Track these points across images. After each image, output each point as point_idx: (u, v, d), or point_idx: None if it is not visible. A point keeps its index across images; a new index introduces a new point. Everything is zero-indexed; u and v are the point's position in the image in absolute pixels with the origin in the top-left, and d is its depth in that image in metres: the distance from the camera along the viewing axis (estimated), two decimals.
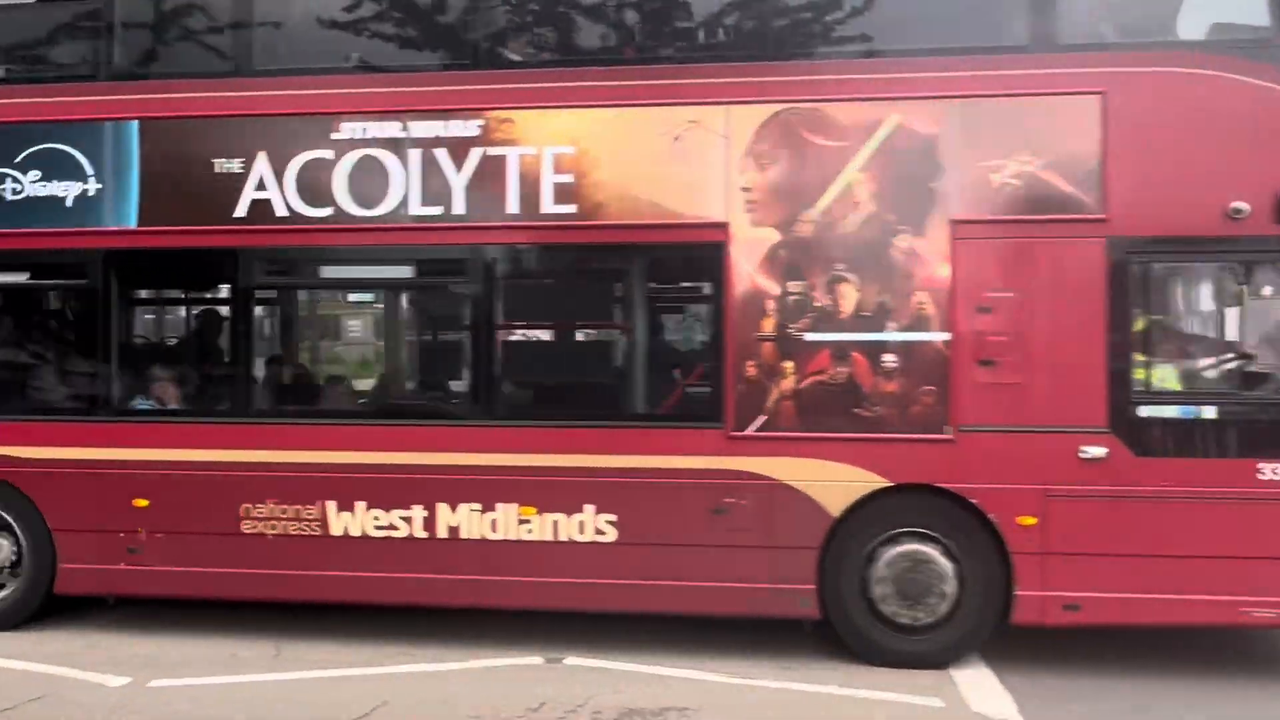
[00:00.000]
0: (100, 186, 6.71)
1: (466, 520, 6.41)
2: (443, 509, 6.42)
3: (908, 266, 6.10)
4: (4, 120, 6.83)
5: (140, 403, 6.90)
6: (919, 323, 6.09)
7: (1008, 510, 5.98)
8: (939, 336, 6.07)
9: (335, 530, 6.51)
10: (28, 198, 6.78)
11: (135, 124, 6.71)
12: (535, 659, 6.23)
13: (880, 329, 6.13)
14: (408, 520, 6.46)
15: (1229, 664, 6.29)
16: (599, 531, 6.31)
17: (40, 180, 6.76)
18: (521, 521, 6.37)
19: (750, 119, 6.22)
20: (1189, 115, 5.86)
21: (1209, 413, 5.89)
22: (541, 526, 6.35)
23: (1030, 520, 5.95)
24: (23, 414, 6.96)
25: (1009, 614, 6.02)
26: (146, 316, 7.68)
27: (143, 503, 6.66)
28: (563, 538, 6.33)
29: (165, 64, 6.98)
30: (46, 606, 6.85)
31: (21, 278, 7.14)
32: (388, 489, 6.46)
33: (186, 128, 6.70)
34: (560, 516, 6.33)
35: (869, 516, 6.14)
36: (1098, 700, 5.65)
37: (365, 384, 7.27)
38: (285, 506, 6.54)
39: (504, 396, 6.61)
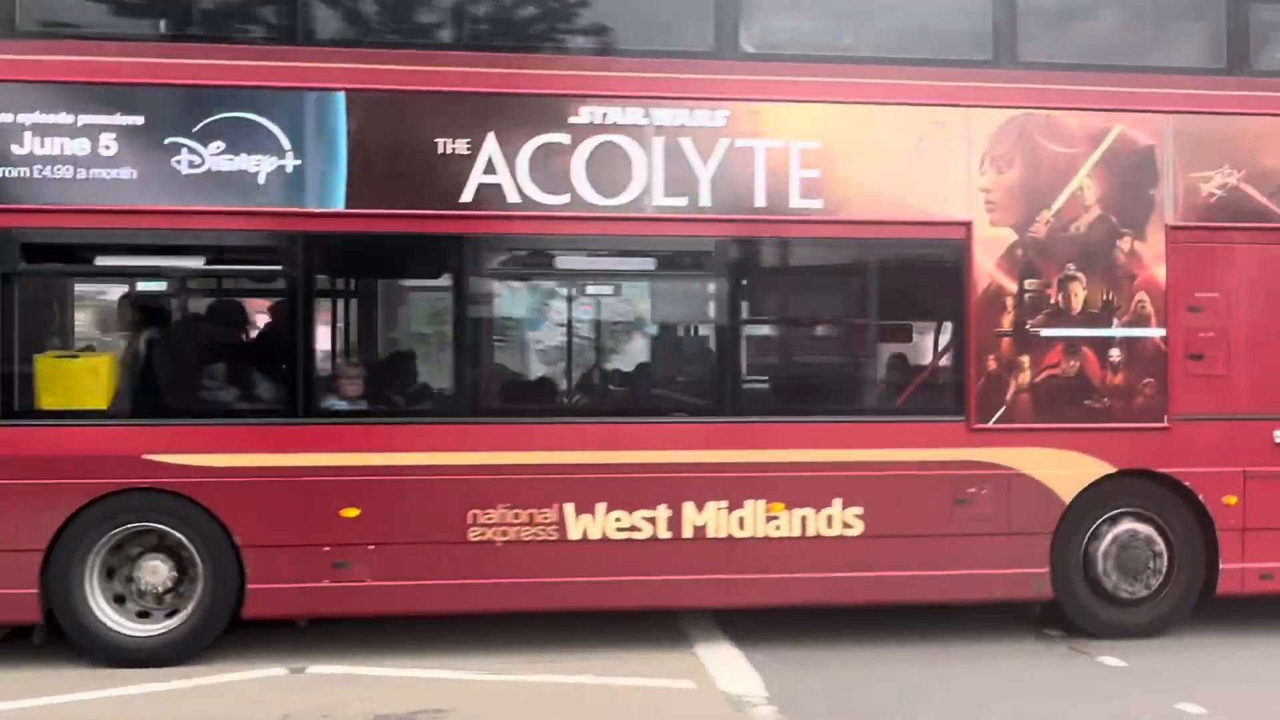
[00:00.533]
0: (299, 163, 6.01)
1: (713, 519, 6.27)
2: (688, 508, 6.25)
3: (1130, 267, 6.57)
4: (181, 83, 5.96)
5: (337, 403, 6.23)
6: (1140, 320, 6.57)
7: (1215, 491, 6.57)
8: (1157, 333, 6.56)
9: (574, 534, 6.18)
10: (209, 172, 5.96)
11: (341, 95, 6.05)
12: (278, 670, 5.89)
13: (1107, 325, 6.55)
14: (651, 521, 6.23)
15: (978, 627, 6.75)
16: (846, 525, 6.36)
17: (224, 153, 5.96)
18: (770, 518, 6.31)
19: (989, 123, 6.46)
20: None
21: None
22: (790, 522, 6.32)
23: (1233, 500, 6.57)
24: (203, 417, 6.13)
25: (1212, 586, 6.61)
26: (351, 306, 6.89)
27: (353, 513, 6.04)
28: (811, 533, 6.32)
29: (376, 32, 6.31)
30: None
31: (198, 262, 6.27)
32: (630, 489, 6.20)
33: (404, 103, 6.12)
34: (809, 511, 6.32)
35: (1094, 500, 6.55)
36: (841, 672, 6.01)
37: (603, 380, 6.90)
38: (519, 511, 6.13)
39: (749, 392, 6.51)
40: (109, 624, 5.97)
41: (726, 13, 6.32)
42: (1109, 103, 6.56)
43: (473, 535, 6.12)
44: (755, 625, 6.50)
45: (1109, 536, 6.58)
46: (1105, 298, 6.55)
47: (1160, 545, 6.62)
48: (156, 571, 5.99)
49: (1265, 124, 6.69)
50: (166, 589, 6.01)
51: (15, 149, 5.84)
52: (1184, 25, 6.94)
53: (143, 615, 6.06)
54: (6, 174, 5.84)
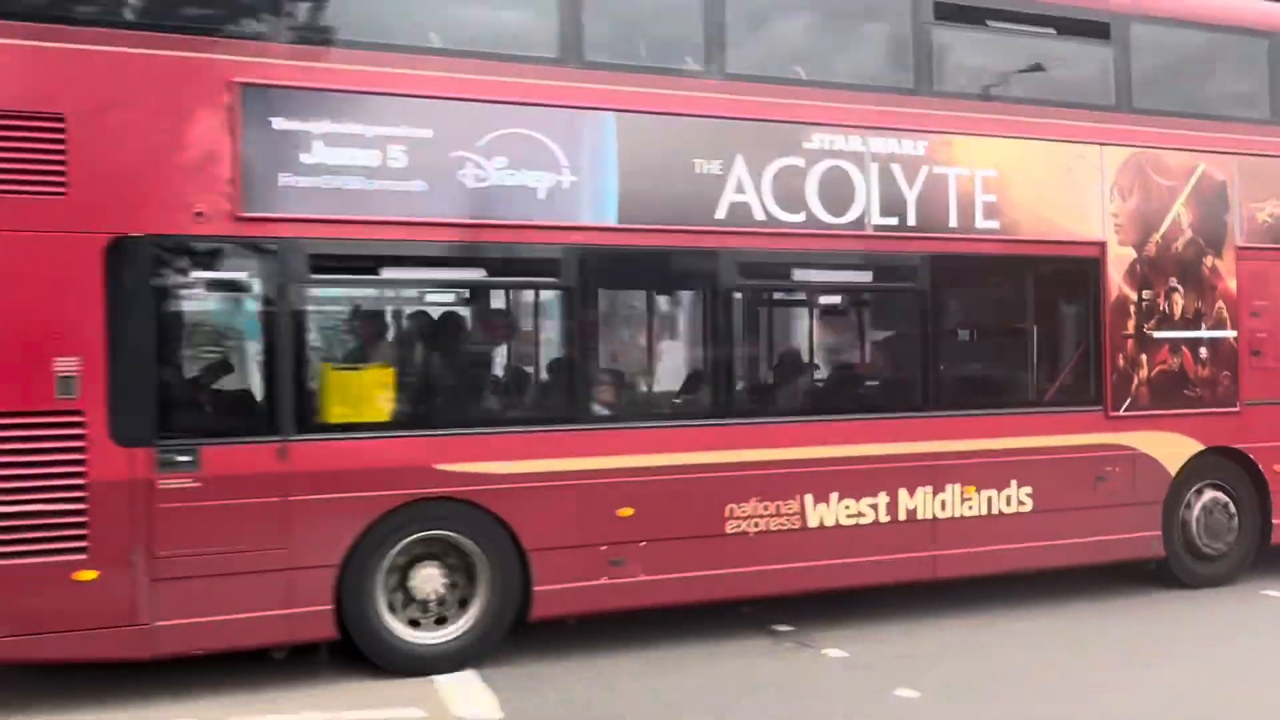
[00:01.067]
0: (575, 179, 6.28)
1: (921, 503, 7.12)
2: (902, 494, 7.06)
3: (1212, 280, 8.03)
4: (468, 98, 6.07)
5: (610, 409, 6.53)
6: (1220, 324, 8.05)
7: (1269, 461, 8.14)
8: (1231, 334, 8.05)
9: (812, 522, 6.83)
10: (493, 186, 6.11)
11: (612, 116, 6.38)
12: None
13: (1198, 328, 7.97)
14: (874, 507, 6.99)
15: (707, 629, 6.86)
16: (1020, 503, 7.39)
17: (508, 168, 6.13)
18: (964, 499, 7.23)
19: (1116, 158, 7.69)
20: None
21: None
22: (980, 503, 7.27)
23: None
24: (490, 426, 6.24)
25: (1265, 539, 8.19)
26: (620, 316, 7.01)
27: (628, 512, 6.39)
28: (995, 511, 7.31)
29: (642, 59, 6.64)
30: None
31: (480, 274, 6.33)
32: (857, 480, 6.93)
33: (666, 125, 6.52)
34: (993, 492, 7.30)
35: (1189, 473, 7.95)
36: (576, 685, 5.94)
37: (831, 382, 7.46)
38: (768, 503, 6.71)
39: (945, 391, 7.37)
40: (401, 634, 5.99)
41: (923, 55, 7.16)
42: (1197, 144, 7.95)
43: (729, 528, 6.63)
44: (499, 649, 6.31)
45: (1199, 504, 7.99)
46: (1197, 306, 7.95)
47: (1233, 509, 8.10)
48: (431, 579, 6.07)
49: None
50: (439, 596, 6.10)
51: (305, 158, 5.74)
52: (1243, 83, 8.45)
53: (412, 624, 6.11)
54: (295, 183, 5.74)
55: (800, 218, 6.79)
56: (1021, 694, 5.77)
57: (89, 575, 5.36)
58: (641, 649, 6.47)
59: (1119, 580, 7.99)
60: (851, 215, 6.93)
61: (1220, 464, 8.08)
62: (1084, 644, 6.73)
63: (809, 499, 6.81)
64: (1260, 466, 8.11)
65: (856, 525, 6.94)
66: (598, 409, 6.44)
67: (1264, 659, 6.49)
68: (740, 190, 6.63)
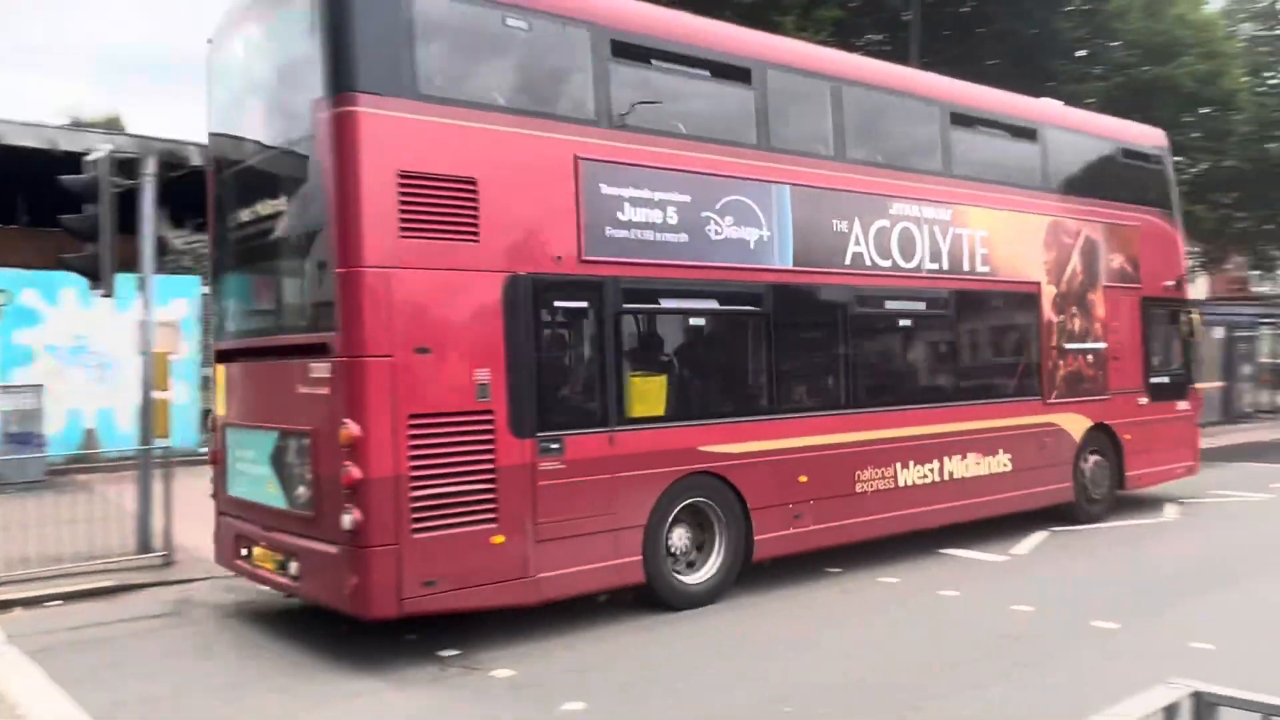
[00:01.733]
0: (769, 234, 8.61)
1: (958, 467, 10.09)
2: (947, 461, 9.99)
3: (1092, 308, 11.69)
4: (710, 173, 8.23)
5: (798, 402, 8.99)
6: (1097, 338, 11.73)
7: (1122, 432, 11.95)
8: (1103, 345, 11.78)
9: (902, 483, 9.58)
10: (725, 239, 8.31)
11: (788, 188, 8.78)
12: None
13: (1088, 341, 11.60)
14: (932, 470, 9.86)
15: (377, 659, 6.73)
16: (1005, 465, 10.56)
17: (732, 225, 8.36)
18: (976, 464, 10.28)
19: (1043, 223, 11.16)
20: None
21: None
22: (985, 465, 10.36)
23: (1129, 436, 12.02)
24: (728, 417, 8.35)
25: (1120, 485, 11.99)
26: (787, 336, 9.04)
27: (804, 479, 8.77)
28: (993, 471, 10.44)
29: (802, 145, 9.06)
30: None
31: (714, 303, 8.38)
32: (922, 451, 9.78)
33: (816, 194, 9.02)
34: (991, 458, 10.42)
35: (1085, 441, 11.56)
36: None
37: (907, 383, 10.10)
38: (876, 470, 9.37)
39: (965, 387, 10.39)
40: (680, 578, 8.01)
41: (947, 150, 10.21)
42: (1084, 215, 11.60)
43: (858, 488, 9.20)
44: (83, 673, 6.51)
45: (1089, 463, 11.60)
46: (1086, 326, 11.56)
47: (1107, 465, 11.81)
48: (683, 536, 8.12)
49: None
50: (687, 548, 8.16)
51: (620, 215, 7.67)
52: (1108, 173, 12.31)
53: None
54: (615, 234, 7.64)
55: (889, 263, 9.51)
56: (688, 690, 6.11)
57: (500, 539, 6.92)
58: (313, 680, 6.43)
59: (759, 577, 8.54)
60: (914, 262, 9.74)
61: (1099, 435, 11.73)
62: (744, 635, 7.39)
63: (899, 467, 9.51)
64: (1118, 435, 11.88)
65: (920, 484, 9.73)
66: (785, 404, 8.78)
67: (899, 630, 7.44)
68: (857, 243, 9.24)
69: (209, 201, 8.39)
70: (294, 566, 7.05)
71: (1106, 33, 21.71)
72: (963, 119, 10.51)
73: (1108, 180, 12.29)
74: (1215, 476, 15.06)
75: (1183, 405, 12.87)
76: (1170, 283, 12.82)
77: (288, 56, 7.28)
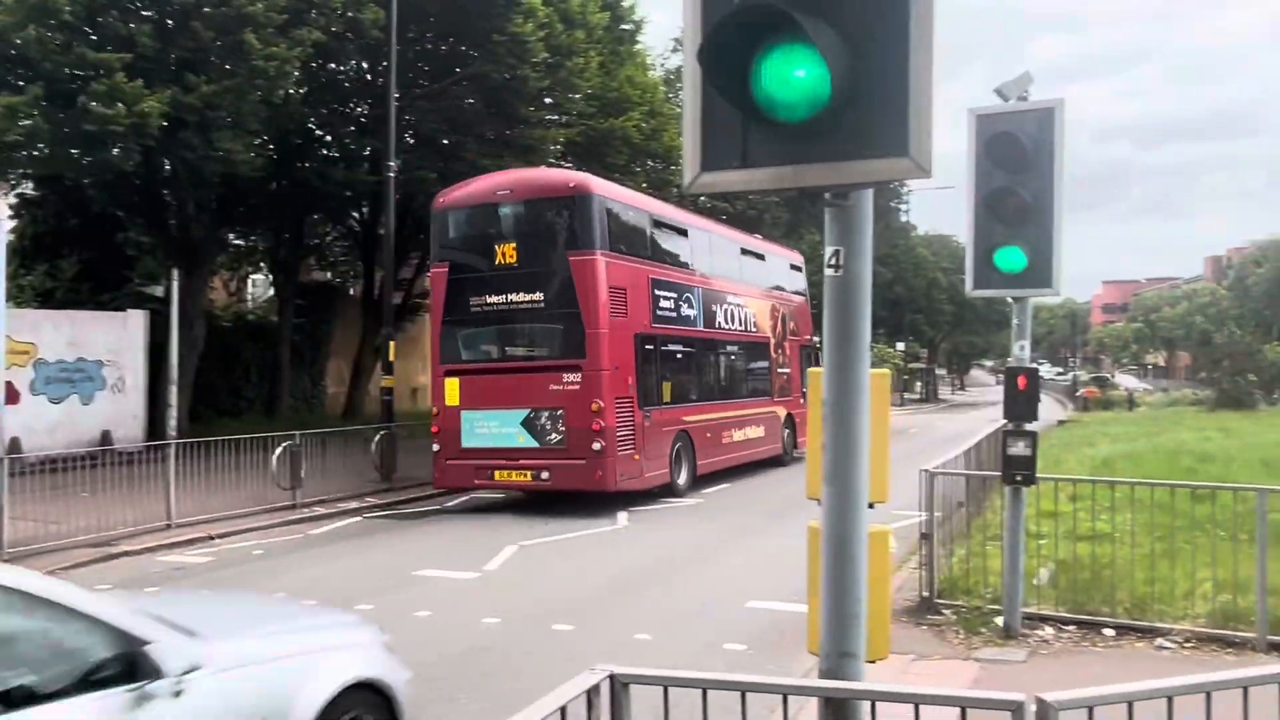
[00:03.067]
0: (696, 313, 16.65)
1: (750, 431, 19.53)
2: (747, 428, 19.57)
3: (786, 348, 22.42)
4: (683, 282, 17.50)
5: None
6: (787, 365, 22.28)
7: (796, 417, 21.83)
8: (788, 370, 22.07)
9: (735, 438, 19.16)
10: (687, 314, 16.61)
11: (700, 289, 17.61)
12: None
13: (785, 367, 22.29)
14: (743, 432, 19.45)
15: None
16: (761, 432, 20.20)
17: (688, 307, 16.64)
18: (754, 430, 19.82)
19: (768, 304, 21.40)
20: None
21: None
22: (756, 431, 19.91)
23: (798, 419, 22.05)
24: (688, 403, 17.58)
25: (795, 445, 22.04)
26: (705, 362, 17.49)
27: (709, 435, 17.54)
28: (752, 437, 19.85)
29: (701, 268, 18.47)
30: None
31: (683, 347, 16.24)
32: (740, 422, 19.65)
33: (706, 293, 18.52)
34: (750, 429, 19.78)
35: (785, 421, 22.10)
36: None
37: (736, 385, 19.67)
38: (729, 431, 18.56)
39: (735, 389, 20.42)
40: (675, 481, 16.73)
41: (739, 268, 20.25)
42: (779, 299, 22.24)
43: (723, 440, 18.47)
44: None
45: (786, 433, 21.70)
46: (783, 359, 21.87)
47: (792, 435, 21.77)
48: (677, 462, 16.47)
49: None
50: (678, 469, 16.48)
51: (661, 305, 16.25)
52: (787, 279, 23.11)
53: None
54: (657, 313, 16.35)
55: (727, 326, 18.77)
56: (675, 523, 8.54)
57: (637, 457, 15.35)
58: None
59: None
60: (732, 325, 19.03)
61: (789, 418, 21.61)
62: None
63: (734, 429, 18.72)
64: (795, 419, 21.70)
65: (740, 439, 19.04)
66: (702, 397, 18.11)
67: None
68: (719, 315, 18.31)
69: (441, 288, 15.51)
70: (545, 475, 14.56)
71: (569, 85, 23.85)
72: (742, 250, 20.52)
73: (785, 281, 22.89)
74: None
75: None
76: (810, 336, 23.11)
77: (547, 222, 14.90)
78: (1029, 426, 7.58)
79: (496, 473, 14.64)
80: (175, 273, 15.24)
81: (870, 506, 3.24)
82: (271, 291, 29.63)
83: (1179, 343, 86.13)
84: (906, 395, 55.83)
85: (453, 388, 14.74)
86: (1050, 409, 45.65)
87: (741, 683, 2.99)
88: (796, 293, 22.96)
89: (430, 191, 21.79)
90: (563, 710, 2.82)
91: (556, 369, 14.20)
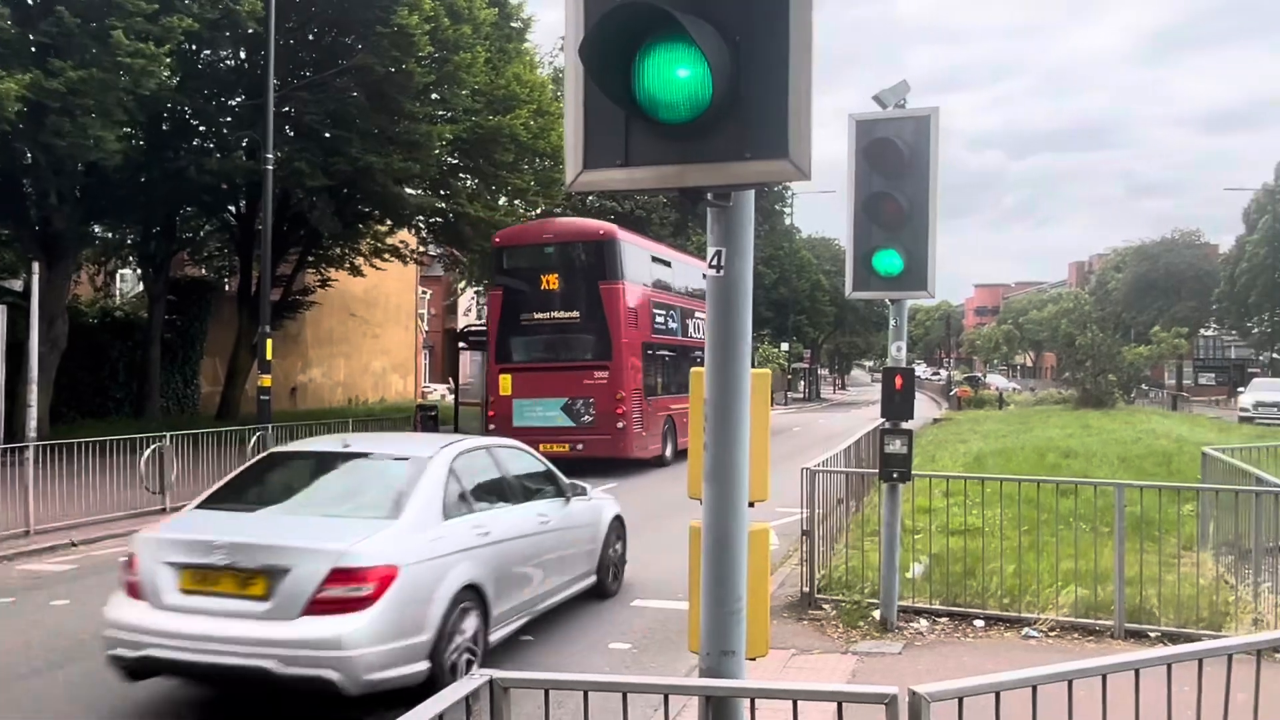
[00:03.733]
0: (677, 325, 17.45)
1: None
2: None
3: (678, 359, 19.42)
4: (670, 304, 18.29)
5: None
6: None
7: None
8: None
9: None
10: (673, 327, 17.38)
11: (680, 308, 17.89)
12: None
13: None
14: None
15: None
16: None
17: (673, 322, 17.42)
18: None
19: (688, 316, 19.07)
20: None
21: None
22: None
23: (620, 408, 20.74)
24: (668, 394, 18.35)
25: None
26: (684, 363, 18.16)
27: (683, 420, 18.29)
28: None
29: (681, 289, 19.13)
30: None
31: (669, 352, 17.31)
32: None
33: (684, 309, 20.60)
34: None
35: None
36: None
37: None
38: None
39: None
40: (664, 454, 14.03)
41: (676, 285, 20.63)
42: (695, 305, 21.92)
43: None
44: None
45: None
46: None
47: None
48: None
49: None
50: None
51: (657, 320, 19.69)
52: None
53: None
54: (655, 325, 18.13)
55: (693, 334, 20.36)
56: (652, 487, 16.12)
57: (644, 434, 19.07)
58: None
59: None
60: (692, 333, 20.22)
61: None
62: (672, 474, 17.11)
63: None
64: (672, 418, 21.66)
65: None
66: (679, 390, 18.79)
67: None
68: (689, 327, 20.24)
69: (498, 306, 19.99)
70: (580, 446, 17.84)
71: (456, 80, 23.52)
72: (704, 275, 19.07)
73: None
74: None
75: None
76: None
77: (581, 259, 19.03)
78: (905, 425, 7.80)
79: (541, 445, 15.93)
80: (36, 266, 14.45)
81: (751, 505, 3.27)
82: (141, 287, 28.43)
83: (1045, 344, 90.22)
84: (790, 395, 57.04)
85: (506, 382, 19.20)
86: (926, 408, 47.28)
87: (622, 684, 2.98)
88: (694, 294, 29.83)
89: (309, 184, 21.24)
90: (440, 717, 2.76)
91: (588, 368, 18.72)
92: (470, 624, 6.58)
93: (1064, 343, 68.69)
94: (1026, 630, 7.85)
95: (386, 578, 5.85)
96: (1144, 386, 50.60)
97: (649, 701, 3.29)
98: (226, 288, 30.69)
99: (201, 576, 5.98)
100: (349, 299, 34.34)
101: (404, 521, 6.42)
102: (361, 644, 5.67)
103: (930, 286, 7.29)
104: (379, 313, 37.22)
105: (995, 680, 2.93)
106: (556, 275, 19.21)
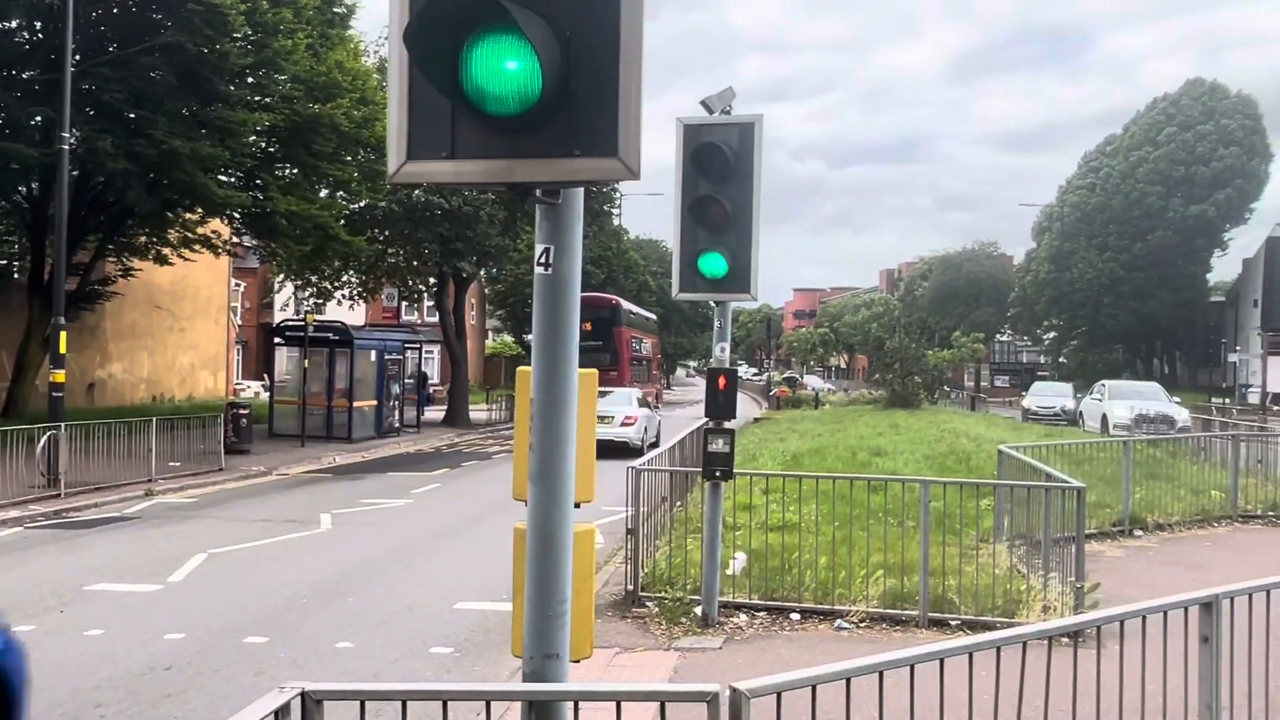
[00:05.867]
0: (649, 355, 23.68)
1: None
2: None
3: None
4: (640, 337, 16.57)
5: None
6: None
7: (650, 398, 20.41)
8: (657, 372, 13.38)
9: None
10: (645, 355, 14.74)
11: (650, 340, 29.87)
12: None
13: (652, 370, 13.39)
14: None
15: None
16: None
17: (647, 349, 34.19)
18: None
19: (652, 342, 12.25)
20: None
21: None
22: None
23: (655, 398, 16.20)
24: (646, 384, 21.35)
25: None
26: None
27: None
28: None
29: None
30: None
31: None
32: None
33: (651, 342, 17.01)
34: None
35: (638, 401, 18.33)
36: None
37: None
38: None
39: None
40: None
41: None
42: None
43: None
44: None
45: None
46: (656, 362, 19.57)
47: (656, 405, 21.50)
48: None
49: None
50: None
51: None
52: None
53: None
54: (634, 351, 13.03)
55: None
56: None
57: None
58: None
59: None
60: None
61: (647, 397, 23.59)
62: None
63: None
64: (648, 396, 19.62)
65: None
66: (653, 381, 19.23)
67: None
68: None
69: None
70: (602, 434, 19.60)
71: (274, 65, 22.47)
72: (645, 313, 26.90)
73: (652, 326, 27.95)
74: (365, 487, 16.64)
75: None
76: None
77: (600, 314, 28.16)
78: (728, 424, 7.96)
79: None
80: None
81: (577, 506, 3.24)
82: None
83: (858, 347, 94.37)
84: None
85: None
86: (748, 407, 48.65)
87: (441, 691, 2.89)
88: (652, 331, 37.27)
89: (111, 168, 19.79)
90: None
91: (605, 375, 24.12)
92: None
93: (874, 346, 72.10)
94: (839, 622, 8.15)
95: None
96: (946, 388, 53.54)
97: (472, 708, 3.21)
98: (16, 275, 28.34)
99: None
100: (154, 290, 32.31)
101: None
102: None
103: (753, 289, 7.46)
104: (187, 305, 35.18)
105: (811, 674, 3.01)
106: (588, 322, 29.63)
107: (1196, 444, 17.07)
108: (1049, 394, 39.85)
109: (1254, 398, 48.95)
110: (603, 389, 23.91)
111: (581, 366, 16.90)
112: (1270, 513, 14.00)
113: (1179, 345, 66.97)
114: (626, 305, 33.97)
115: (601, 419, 22.71)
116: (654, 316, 44.18)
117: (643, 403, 24.80)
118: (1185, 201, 57.35)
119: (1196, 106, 59.30)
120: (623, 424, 22.30)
